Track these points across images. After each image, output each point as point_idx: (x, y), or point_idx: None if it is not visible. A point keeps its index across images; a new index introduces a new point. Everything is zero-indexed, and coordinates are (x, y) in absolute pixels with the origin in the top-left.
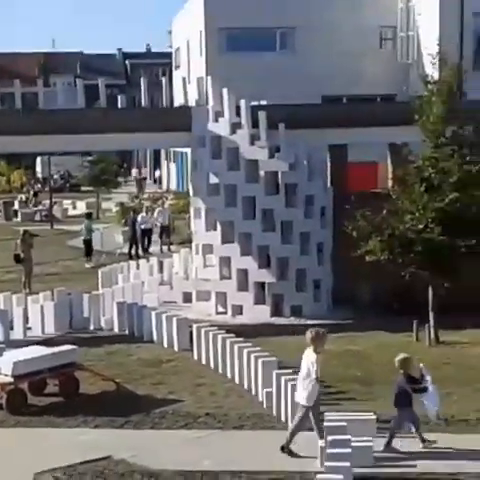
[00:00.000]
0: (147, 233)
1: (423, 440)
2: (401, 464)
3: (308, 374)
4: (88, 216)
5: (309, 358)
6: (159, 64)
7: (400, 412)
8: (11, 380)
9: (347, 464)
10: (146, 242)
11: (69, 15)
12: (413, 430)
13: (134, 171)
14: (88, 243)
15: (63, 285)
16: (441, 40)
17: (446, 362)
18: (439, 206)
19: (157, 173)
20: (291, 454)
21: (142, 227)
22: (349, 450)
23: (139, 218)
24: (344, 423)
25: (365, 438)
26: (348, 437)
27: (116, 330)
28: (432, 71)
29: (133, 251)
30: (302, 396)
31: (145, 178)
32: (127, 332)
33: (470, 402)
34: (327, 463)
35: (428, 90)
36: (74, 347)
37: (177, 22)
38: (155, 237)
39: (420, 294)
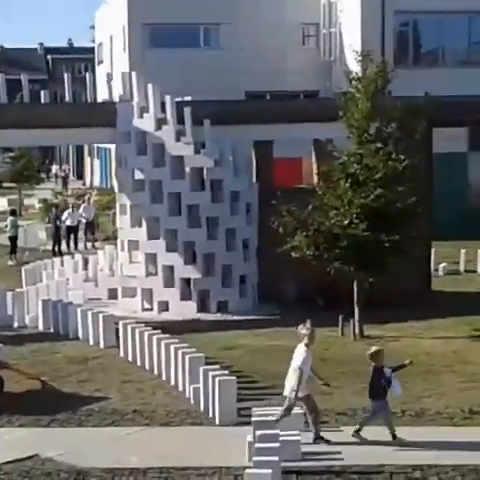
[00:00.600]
0: (72, 230)
1: (394, 436)
2: (328, 457)
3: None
4: (12, 213)
5: (300, 352)
6: (81, 59)
7: (375, 403)
8: None
9: (276, 458)
10: (72, 239)
11: None
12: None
13: (54, 168)
14: (14, 240)
15: None
16: (363, 37)
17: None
18: (364, 202)
19: (64, 167)
20: (327, 442)
21: (67, 224)
22: (278, 445)
23: (64, 215)
24: (272, 418)
25: (293, 432)
26: (276, 432)
27: (41, 328)
28: (356, 68)
29: (57, 248)
30: (287, 387)
31: (67, 175)
32: (52, 330)
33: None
34: (256, 458)
35: (352, 87)
36: None
37: (100, 17)
38: (80, 234)
39: (345, 289)
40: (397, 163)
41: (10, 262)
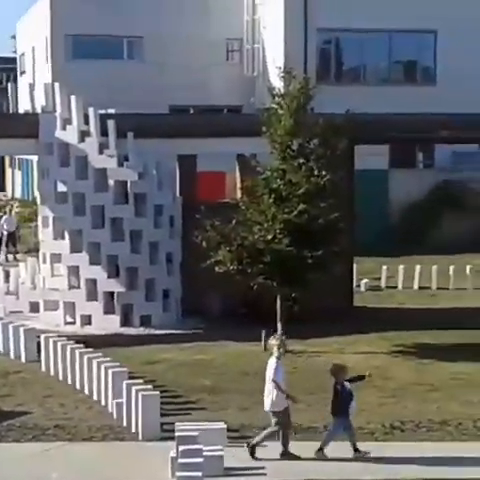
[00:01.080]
0: None
1: (356, 449)
2: (250, 473)
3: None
4: None
5: (271, 364)
6: (3, 69)
7: (338, 419)
8: None
9: (199, 474)
10: None
11: None
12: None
13: None
14: None
15: None
16: (286, 54)
17: (293, 371)
18: (287, 217)
19: None
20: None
21: None
22: (201, 460)
23: None
24: (195, 433)
25: (216, 447)
26: (200, 447)
27: None
28: (279, 84)
29: None
30: (267, 402)
31: None
32: None
33: (317, 411)
34: (178, 473)
35: (275, 103)
36: None
37: (21, 27)
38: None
39: (269, 304)
40: (319, 179)
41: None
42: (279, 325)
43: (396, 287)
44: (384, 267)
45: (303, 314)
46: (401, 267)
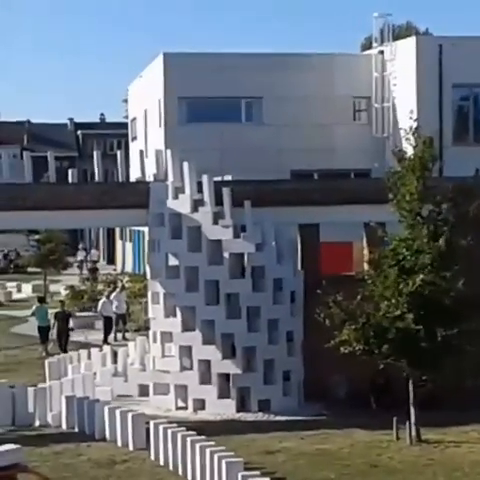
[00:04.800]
0: (107, 320)
1: None
2: None
3: None
4: (41, 300)
5: None
6: (114, 135)
7: None
8: None
9: None
10: (113, 330)
11: (16, 82)
12: None
13: (80, 253)
14: (44, 330)
15: (5, 377)
16: (419, 112)
17: (429, 463)
18: (412, 290)
19: (93, 252)
20: None
21: (103, 314)
22: None
23: (100, 305)
24: None
25: None
26: None
27: (64, 427)
28: (407, 146)
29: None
30: None
31: (96, 261)
32: (77, 429)
33: None
34: None
35: (402, 166)
36: (17, 446)
37: (133, 90)
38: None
39: (400, 387)
40: (448, 245)
41: (44, 353)
42: (412, 411)
43: None
44: None
45: (438, 398)
46: None
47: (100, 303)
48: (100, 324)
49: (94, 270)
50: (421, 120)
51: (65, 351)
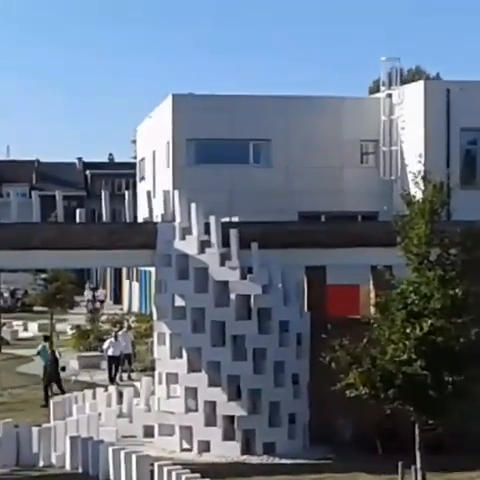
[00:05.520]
0: (115, 360)
1: None
2: None
3: None
4: (46, 339)
5: None
6: (122, 175)
7: None
8: None
9: None
10: (114, 370)
11: (25, 122)
12: None
13: (87, 293)
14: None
15: (10, 416)
16: (426, 156)
17: None
18: (420, 335)
19: (99, 292)
20: None
21: (109, 353)
22: None
23: (106, 343)
24: None
25: None
26: None
27: (68, 468)
28: (415, 189)
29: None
30: None
31: (102, 301)
32: (81, 470)
33: None
34: None
35: (410, 210)
36: None
37: (142, 131)
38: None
39: (406, 431)
40: (457, 291)
41: (49, 393)
42: (418, 455)
43: None
44: None
45: (445, 443)
46: None
47: (106, 343)
48: (105, 364)
49: (96, 310)
50: (429, 163)
51: (62, 392)
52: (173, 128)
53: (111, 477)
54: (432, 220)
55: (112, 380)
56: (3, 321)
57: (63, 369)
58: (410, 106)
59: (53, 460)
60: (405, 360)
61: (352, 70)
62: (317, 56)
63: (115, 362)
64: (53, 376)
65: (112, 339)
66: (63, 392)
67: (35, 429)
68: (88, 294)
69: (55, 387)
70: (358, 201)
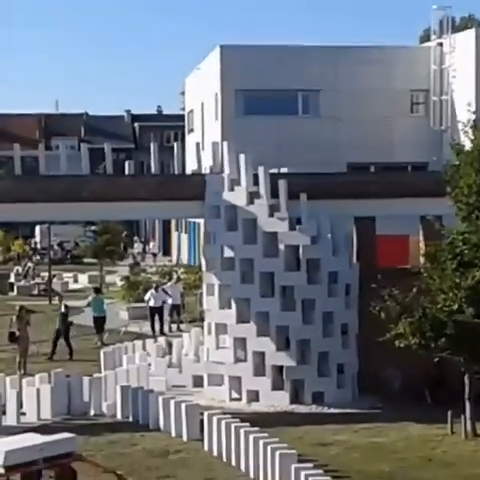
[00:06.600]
0: (156, 311)
1: None
2: None
3: None
4: (97, 290)
5: None
6: (170, 127)
7: None
8: (2, 471)
9: None
10: (157, 321)
11: (74, 75)
12: None
13: (137, 246)
14: (100, 320)
15: (61, 367)
16: (477, 105)
17: None
18: (471, 284)
19: (151, 245)
20: None
21: (150, 304)
22: None
23: (147, 295)
24: None
25: None
26: None
27: (119, 417)
28: (465, 139)
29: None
30: None
31: (155, 254)
32: (131, 419)
33: None
34: None
35: (460, 159)
36: (72, 435)
37: (190, 83)
38: (165, 315)
39: (455, 381)
40: None
41: (99, 343)
42: (467, 405)
43: None
44: None
45: None
46: None
47: (147, 294)
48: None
49: (135, 265)
50: (479, 112)
51: (70, 348)
52: (221, 79)
53: (161, 426)
54: None
55: (154, 330)
56: (53, 273)
57: (71, 323)
58: (461, 55)
59: (104, 409)
60: (456, 309)
61: (403, 19)
62: (367, 6)
63: (157, 313)
64: (61, 332)
65: (153, 290)
66: (70, 348)
67: (86, 379)
68: (138, 247)
69: (105, 337)
70: (408, 152)
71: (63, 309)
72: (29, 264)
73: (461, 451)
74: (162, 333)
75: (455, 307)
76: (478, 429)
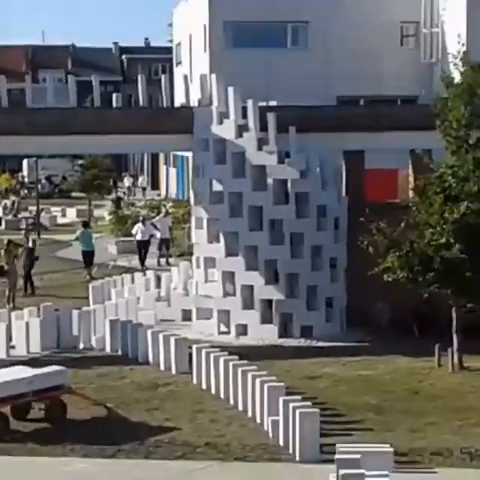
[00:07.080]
0: (143, 245)
1: None
2: None
3: None
4: (85, 224)
5: None
6: (158, 60)
7: None
8: None
9: None
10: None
11: (60, 5)
12: None
13: (126, 180)
14: (89, 254)
15: (50, 300)
16: (468, 37)
17: (470, 391)
18: (457, 217)
19: (141, 179)
20: None
21: (137, 238)
22: None
23: (135, 228)
24: (357, 456)
25: (381, 473)
26: (362, 471)
27: (108, 350)
28: (455, 72)
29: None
30: None
31: (145, 188)
32: (120, 353)
33: None
34: None
35: (449, 92)
36: (62, 368)
37: (178, 15)
38: (152, 249)
39: (443, 315)
40: None
41: (87, 277)
42: (455, 338)
43: None
44: None
45: None
46: None
47: (135, 228)
48: None
49: (118, 199)
50: (470, 45)
51: (31, 284)
52: (210, 10)
53: (150, 359)
54: (471, 102)
55: (143, 264)
56: (41, 207)
57: (37, 259)
58: None
59: (93, 343)
60: (443, 243)
61: None
62: None
63: (143, 246)
64: (26, 266)
65: (140, 224)
66: (32, 284)
67: (75, 312)
68: (128, 181)
69: (94, 271)
70: (398, 85)
71: (30, 244)
72: (12, 198)
73: (448, 384)
74: (143, 265)
75: (442, 241)
76: (465, 362)
